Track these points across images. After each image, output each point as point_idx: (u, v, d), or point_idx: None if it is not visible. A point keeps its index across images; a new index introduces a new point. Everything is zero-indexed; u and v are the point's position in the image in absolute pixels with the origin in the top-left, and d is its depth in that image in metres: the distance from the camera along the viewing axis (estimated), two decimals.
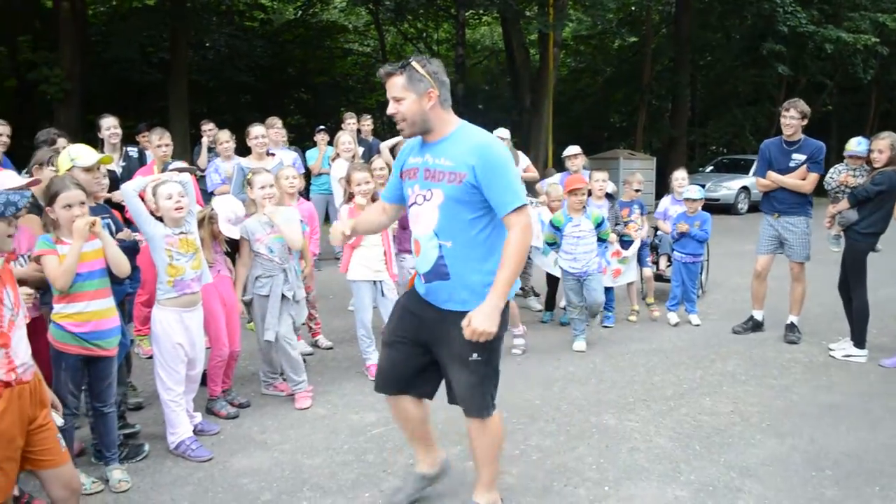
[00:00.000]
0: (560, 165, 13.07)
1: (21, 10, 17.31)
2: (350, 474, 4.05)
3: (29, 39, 17.39)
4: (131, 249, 4.14)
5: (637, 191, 7.91)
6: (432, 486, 3.77)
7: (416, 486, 3.73)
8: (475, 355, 3.20)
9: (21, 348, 2.68)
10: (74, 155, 4.09)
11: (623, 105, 28.87)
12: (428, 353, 3.40)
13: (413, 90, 3.12)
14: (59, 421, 2.95)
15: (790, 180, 6.48)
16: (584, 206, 6.51)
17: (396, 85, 3.13)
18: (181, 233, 4.25)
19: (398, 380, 3.49)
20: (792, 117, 6.46)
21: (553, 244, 6.68)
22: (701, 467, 4.13)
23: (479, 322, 3.01)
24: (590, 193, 6.94)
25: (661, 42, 26.16)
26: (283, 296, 5.03)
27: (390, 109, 3.19)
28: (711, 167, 22.68)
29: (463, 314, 3.09)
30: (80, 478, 3.74)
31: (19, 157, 6.50)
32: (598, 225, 6.55)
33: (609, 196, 7.43)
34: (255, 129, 6.93)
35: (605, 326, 7.17)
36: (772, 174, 6.59)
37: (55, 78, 14.18)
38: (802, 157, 6.47)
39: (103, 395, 3.85)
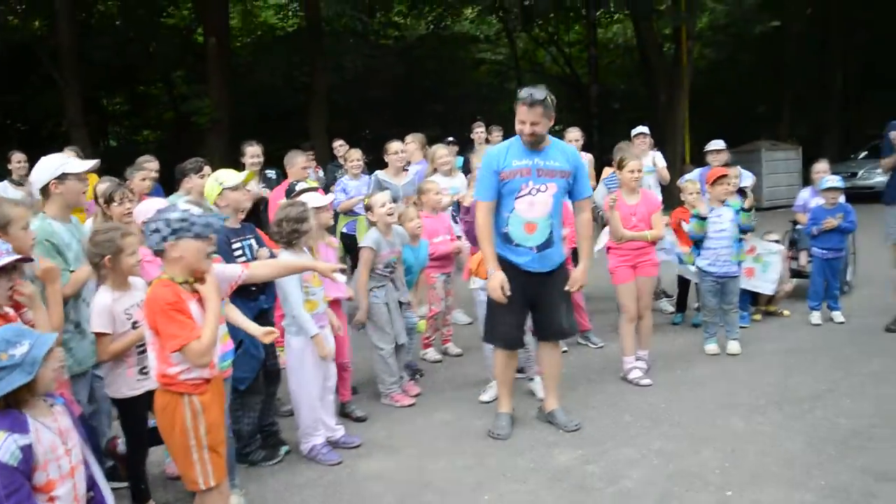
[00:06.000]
0: (698, 161, 12.69)
1: (175, 47, 18.74)
2: (471, 478, 4.17)
3: (182, 75, 18.81)
4: None
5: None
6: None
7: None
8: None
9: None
10: (222, 178, 4.40)
11: (766, 94, 27.30)
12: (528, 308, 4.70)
13: (546, 116, 4.35)
14: None
15: None
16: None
17: (537, 112, 4.31)
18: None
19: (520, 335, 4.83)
20: None
21: (699, 240, 6.31)
22: (834, 472, 3.95)
23: (583, 278, 4.67)
24: None
25: (806, 22, 24.51)
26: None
27: (528, 129, 4.34)
28: (865, 153, 20.95)
29: (561, 266, 4.67)
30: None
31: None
32: (738, 211, 6.19)
33: (741, 192, 7.11)
34: (394, 146, 7.15)
35: (741, 327, 6.87)
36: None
37: (206, 108, 15.28)
38: None
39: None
